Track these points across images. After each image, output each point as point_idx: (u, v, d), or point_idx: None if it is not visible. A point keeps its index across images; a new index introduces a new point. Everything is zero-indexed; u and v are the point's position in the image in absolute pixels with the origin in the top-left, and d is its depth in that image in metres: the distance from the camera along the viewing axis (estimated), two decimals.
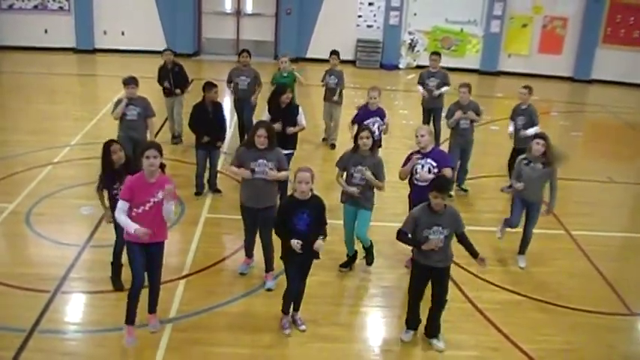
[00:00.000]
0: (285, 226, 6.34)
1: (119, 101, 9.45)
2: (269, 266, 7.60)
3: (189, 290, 7.34)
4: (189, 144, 11.21)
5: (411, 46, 21.03)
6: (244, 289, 7.49)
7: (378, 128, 9.72)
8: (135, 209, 6.02)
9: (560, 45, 20.79)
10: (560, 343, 6.91)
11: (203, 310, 7.01)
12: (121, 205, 6.01)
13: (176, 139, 12.06)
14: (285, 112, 9.02)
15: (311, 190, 6.34)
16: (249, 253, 7.82)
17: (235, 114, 12.03)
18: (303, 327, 6.80)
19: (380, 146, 8.63)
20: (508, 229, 8.53)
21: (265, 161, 7.06)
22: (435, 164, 7.52)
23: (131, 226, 5.94)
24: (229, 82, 11.53)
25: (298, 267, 6.57)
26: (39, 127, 12.77)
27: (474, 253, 6.44)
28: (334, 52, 12.55)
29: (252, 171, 7.05)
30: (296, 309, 6.85)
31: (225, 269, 7.95)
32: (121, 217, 6.02)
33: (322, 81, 12.46)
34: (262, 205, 7.25)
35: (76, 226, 8.76)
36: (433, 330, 6.76)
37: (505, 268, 8.37)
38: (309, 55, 20.79)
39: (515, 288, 7.88)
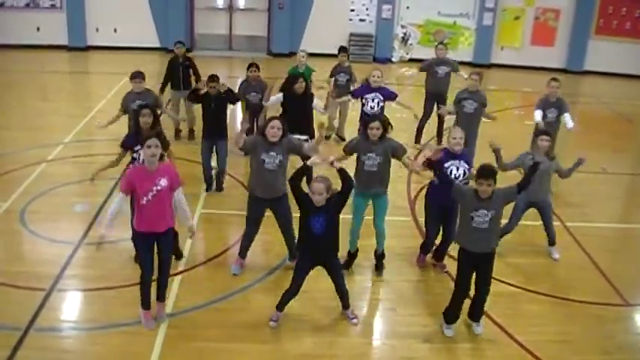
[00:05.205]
0: (302, 223, 6.45)
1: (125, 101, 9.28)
2: (293, 254, 7.73)
3: (185, 286, 7.34)
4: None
5: (404, 40, 21.03)
6: (240, 285, 7.48)
7: (378, 104, 10.26)
8: (139, 200, 6.12)
9: (552, 37, 20.83)
10: (556, 334, 6.93)
11: (199, 306, 7.00)
12: (119, 196, 6.20)
13: (192, 133, 12.04)
14: (300, 100, 9.23)
15: (328, 197, 6.34)
16: (243, 253, 7.72)
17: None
18: (355, 321, 6.87)
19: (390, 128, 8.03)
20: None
21: (275, 154, 7.12)
22: (468, 166, 7.53)
23: (108, 218, 6.22)
24: (242, 95, 10.98)
25: (312, 265, 6.65)
26: (32, 124, 12.74)
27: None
28: (343, 49, 12.51)
29: (263, 161, 7.11)
30: (345, 307, 6.90)
31: (221, 265, 7.93)
32: (112, 206, 6.24)
33: (330, 77, 12.31)
34: (271, 196, 7.31)
35: (70, 223, 8.74)
36: (477, 314, 6.84)
37: (499, 260, 8.33)
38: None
39: (509, 279, 7.89)
